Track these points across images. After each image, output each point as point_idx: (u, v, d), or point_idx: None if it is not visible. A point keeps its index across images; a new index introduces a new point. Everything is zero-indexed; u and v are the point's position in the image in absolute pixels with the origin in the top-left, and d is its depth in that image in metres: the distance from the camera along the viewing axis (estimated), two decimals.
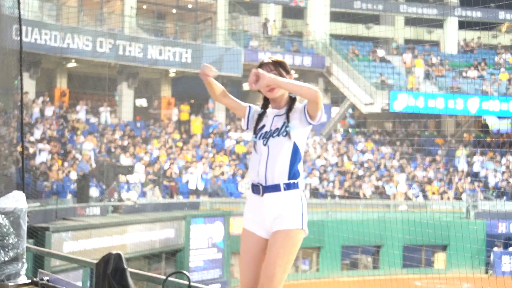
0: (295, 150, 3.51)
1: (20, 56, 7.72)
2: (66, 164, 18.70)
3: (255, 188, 3.54)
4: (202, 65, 3.62)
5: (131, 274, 4.18)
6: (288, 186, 3.47)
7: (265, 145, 3.53)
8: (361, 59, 29.31)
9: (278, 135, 3.51)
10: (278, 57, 3.77)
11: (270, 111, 3.67)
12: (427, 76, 28.34)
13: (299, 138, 3.54)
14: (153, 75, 26.83)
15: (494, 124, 30.59)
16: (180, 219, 17.04)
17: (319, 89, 3.42)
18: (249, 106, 3.79)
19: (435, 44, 31.04)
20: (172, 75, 26.67)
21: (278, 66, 3.64)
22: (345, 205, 21.42)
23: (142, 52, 23.76)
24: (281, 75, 3.59)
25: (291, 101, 3.63)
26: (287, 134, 3.50)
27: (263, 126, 3.62)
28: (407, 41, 31.25)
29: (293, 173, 3.48)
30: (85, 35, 22.58)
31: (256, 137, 3.61)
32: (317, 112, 3.46)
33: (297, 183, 3.50)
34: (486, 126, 30.62)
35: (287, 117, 3.55)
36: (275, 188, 3.47)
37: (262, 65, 3.67)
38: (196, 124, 25.52)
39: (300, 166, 3.54)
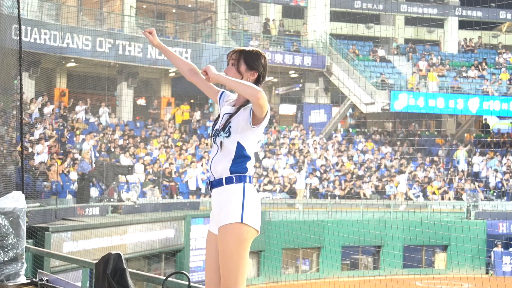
0: (240, 149, 3.40)
1: (19, 55, 7.70)
2: (65, 164, 18.67)
3: (207, 184, 3.53)
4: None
5: (131, 274, 4.16)
6: (230, 180, 3.38)
7: (214, 142, 3.48)
8: (361, 58, 29.28)
9: (221, 135, 3.42)
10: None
11: (225, 108, 3.54)
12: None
13: (244, 138, 3.40)
14: (153, 75, 26.80)
15: (494, 124, 30.60)
16: (180, 219, 17.01)
17: (262, 92, 3.26)
18: (222, 92, 3.64)
19: (436, 43, 31.01)
20: (171, 74, 26.63)
21: (242, 57, 3.49)
22: (345, 205, 21.38)
23: (141, 52, 23.73)
24: (238, 67, 3.47)
25: (247, 101, 3.44)
26: (229, 134, 3.40)
27: (217, 122, 3.53)
28: (407, 41, 31.24)
29: (236, 169, 3.38)
30: (85, 34, 22.55)
31: (212, 133, 3.54)
32: (262, 115, 3.32)
33: (241, 176, 3.38)
34: (487, 126, 30.60)
35: (231, 117, 3.43)
36: (219, 182, 3.41)
37: (232, 52, 3.56)
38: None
39: (248, 164, 3.42)
